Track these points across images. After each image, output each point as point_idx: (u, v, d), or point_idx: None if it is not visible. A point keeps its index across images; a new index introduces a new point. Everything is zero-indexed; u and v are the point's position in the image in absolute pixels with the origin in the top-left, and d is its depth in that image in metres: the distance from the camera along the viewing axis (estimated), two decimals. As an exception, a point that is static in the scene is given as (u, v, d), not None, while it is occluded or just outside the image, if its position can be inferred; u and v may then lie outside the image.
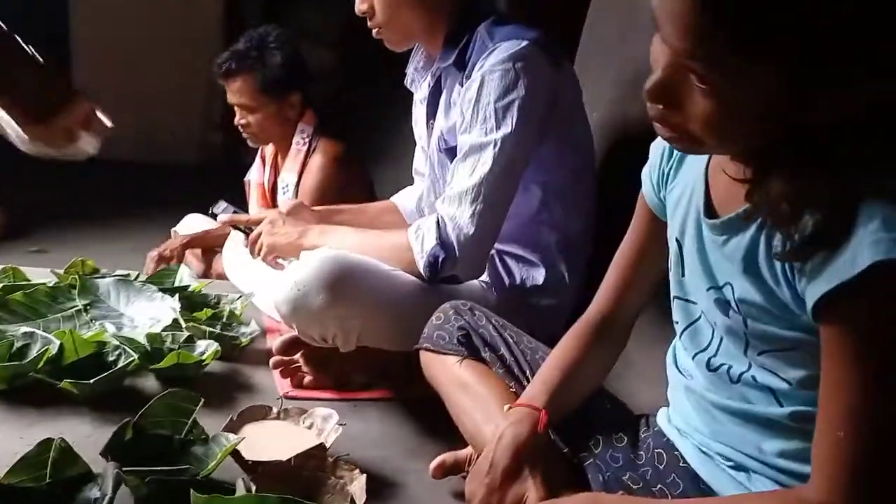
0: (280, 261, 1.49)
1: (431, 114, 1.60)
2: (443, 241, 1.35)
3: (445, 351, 1.17)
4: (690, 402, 0.93)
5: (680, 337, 0.95)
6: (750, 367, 0.83)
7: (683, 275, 0.91)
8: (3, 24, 1.18)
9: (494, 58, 1.35)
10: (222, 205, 1.66)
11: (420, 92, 1.63)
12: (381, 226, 1.61)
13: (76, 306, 1.56)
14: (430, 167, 1.61)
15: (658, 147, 0.98)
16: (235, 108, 2.13)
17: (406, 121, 1.78)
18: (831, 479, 0.70)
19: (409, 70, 1.62)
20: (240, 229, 1.62)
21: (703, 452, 0.90)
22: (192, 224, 2.44)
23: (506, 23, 1.42)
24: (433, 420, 1.24)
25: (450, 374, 1.16)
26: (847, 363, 0.70)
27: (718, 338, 0.87)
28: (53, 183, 2.90)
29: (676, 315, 0.95)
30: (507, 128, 1.34)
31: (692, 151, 0.86)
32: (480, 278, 1.49)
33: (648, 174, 0.99)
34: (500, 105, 1.34)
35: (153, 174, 3.55)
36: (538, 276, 1.49)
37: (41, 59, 1.17)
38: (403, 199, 1.78)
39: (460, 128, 1.42)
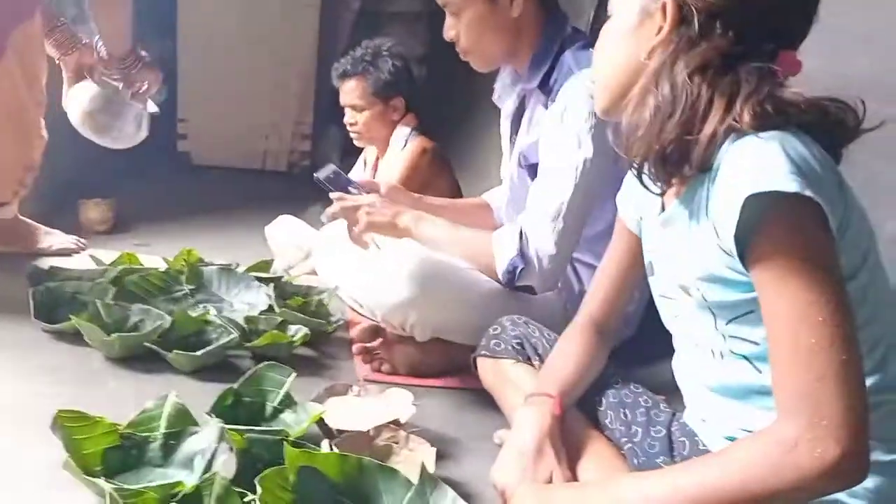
0: (369, 240, 1.54)
1: (515, 130, 1.70)
2: (523, 254, 1.44)
3: (501, 356, 1.29)
4: (695, 394, 1.02)
5: (670, 329, 1.06)
6: (725, 340, 0.92)
7: (659, 274, 1.04)
8: None
9: (580, 84, 1.41)
10: (329, 168, 1.63)
11: (506, 108, 1.73)
12: (473, 222, 1.68)
13: (184, 290, 1.75)
14: (510, 180, 1.72)
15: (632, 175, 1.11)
16: (346, 108, 2.32)
17: (485, 135, 1.89)
18: (783, 403, 0.77)
19: (497, 86, 1.71)
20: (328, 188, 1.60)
21: (718, 437, 0.98)
22: (284, 224, 2.62)
23: (591, 48, 1.52)
24: (494, 408, 1.35)
25: (504, 375, 1.30)
26: (769, 295, 0.79)
27: (695, 320, 0.96)
28: (157, 184, 3.16)
29: (662, 311, 1.06)
30: (587, 151, 1.41)
31: None
32: None
33: (625, 198, 1.14)
34: (583, 129, 1.41)
35: (247, 178, 3.80)
36: None
37: None
38: (495, 197, 1.87)
39: (543, 148, 1.50)
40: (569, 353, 1.17)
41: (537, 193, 1.48)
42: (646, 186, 0.93)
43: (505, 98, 1.70)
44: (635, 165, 0.91)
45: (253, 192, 3.48)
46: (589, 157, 1.42)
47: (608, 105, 1.00)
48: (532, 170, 1.58)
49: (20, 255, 1.99)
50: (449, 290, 1.47)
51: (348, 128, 2.37)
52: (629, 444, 1.09)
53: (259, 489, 0.93)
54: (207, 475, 1.00)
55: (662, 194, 0.94)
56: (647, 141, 0.87)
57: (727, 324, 0.91)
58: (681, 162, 0.86)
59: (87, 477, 0.98)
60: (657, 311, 1.10)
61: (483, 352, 1.33)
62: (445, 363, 1.57)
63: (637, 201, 1.11)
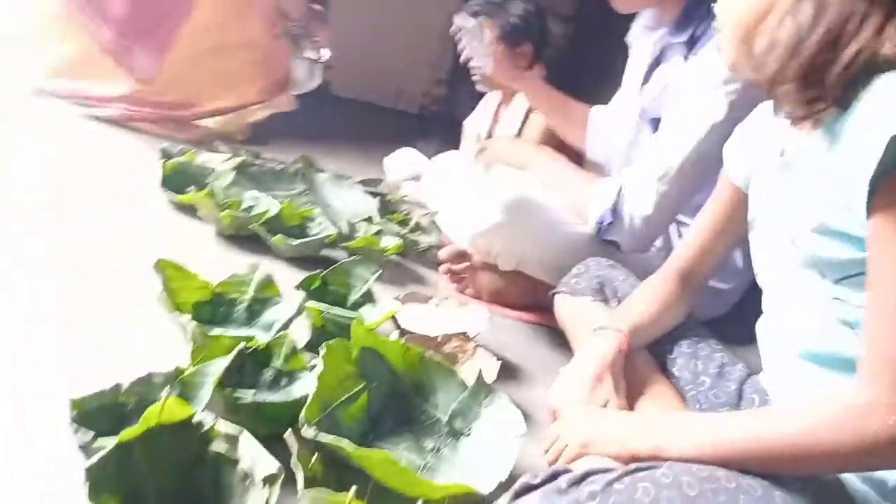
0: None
1: (646, 79, 1.65)
2: (615, 210, 1.42)
3: (579, 294, 1.28)
4: (779, 359, 0.97)
5: (764, 287, 1.00)
6: (828, 302, 0.85)
7: (766, 226, 0.98)
8: None
9: None
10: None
11: (640, 51, 1.67)
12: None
13: (295, 189, 1.84)
14: (627, 127, 1.67)
15: (745, 124, 1.07)
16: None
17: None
18: (867, 366, 0.72)
19: (635, 26, 1.66)
20: None
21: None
22: (403, 157, 2.68)
23: None
24: (566, 347, 1.35)
25: (579, 313, 1.28)
26: (880, 249, 0.73)
27: (797, 279, 0.90)
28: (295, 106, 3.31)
29: (760, 268, 1.00)
30: (717, 115, 1.34)
31: None
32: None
33: (734, 149, 1.08)
34: (718, 94, 1.34)
35: (379, 114, 3.91)
36: None
37: None
38: (597, 114, 1.83)
39: (672, 103, 1.44)
40: (647, 295, 1.14)
41: (652, 149, 1.44)
42: (777, 114, 0.87)
43: (640, 39, 1.65)
44: (766, 92, 0.86)
45: (382, 128, 3.58)
46: (718, 121, 1.35)
47: (738, 53, 0.93)
48: (653, 123, 1.53)
49: (168, 136, 2.17)
50: (537, 225, 1.47)
51: (472, 72, 2.36)
52: (693, 392, 1.06)
53: (323, 351, 0.98)
54: (279, 335, 1.07)
55: (796, 122, 0.87)
56: (783, 59, 0.81)
57: (834, 283, 0.84)
58: (818, 86, 0.80)
59: (176, 312, 1.07)
60: (754, 296, 1.06)
61: (562, 288, 1.33)
62: (526, 297, 1.57)
63: (750, 150, 1.06)
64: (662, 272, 1.19)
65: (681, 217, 1.55)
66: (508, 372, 1.31)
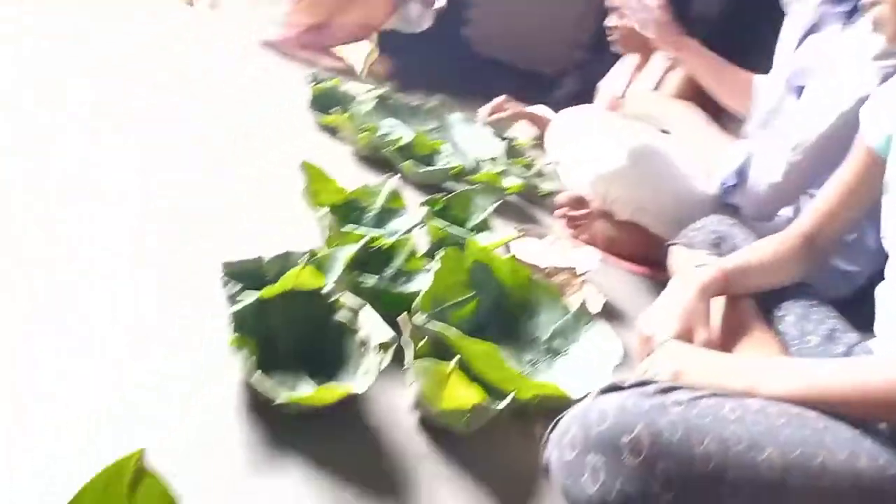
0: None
1: (799, 45, 1.61)
2: (741, 173, 1.41)
3: (696, 247, 1.29)
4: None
5: (890, 253, 0.98)
6: None
7: None
8: None
9: None
10: None
11: (796, 16, 1.63)
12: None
13: (428, 126, 1.93)
14: (772, 91, 1.64)
15: (885, 86, 1.02)
16: (610, 11, 2.31)
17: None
18: None
19: None
20: None
21: None
22: (536, 110, 2.71)
23: None
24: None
25: (692, 264, 1.28)
26: None
27: None
28: (435, 58, 3.40)
29: (889, 231, 0.98)
30: (867, 89, 1.28)
31: None
32: (783, 212, 1.52)
33: (873, 110, 1.04)
34: (873, 67, 1.30)
35: (516, 73, 3.94)
36: None
37: None
38: (760, 83, 1.77)
39: (822, 70, 1.41)
40: (762, 246, 1.14)
41: (794, 116, 1.41)
42: None
43: (796, 3, 1.61)
44: None
45: (519, 87, 3.59)
46: (866, 95, 1.31)
47: None
48: (798, 91, 1.50)
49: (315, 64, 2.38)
50: (660, 176, 1.49)
51: (609, 31, 2.34)
52: (798, 347, 1.06)
53: (442, 253, 1.06)
54: (402, 237, 1.16)
55: None
56: None
57: None
58: None
59: (316, 206, 1.19)
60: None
61: (679, 240, 1.35)
62: (640, 249, 1.60)
63: (892, 110, 1.03)
64: (785, 231, 1.17)
65: (813, 191, 1.52)
66: (611, 314, 1.35)
